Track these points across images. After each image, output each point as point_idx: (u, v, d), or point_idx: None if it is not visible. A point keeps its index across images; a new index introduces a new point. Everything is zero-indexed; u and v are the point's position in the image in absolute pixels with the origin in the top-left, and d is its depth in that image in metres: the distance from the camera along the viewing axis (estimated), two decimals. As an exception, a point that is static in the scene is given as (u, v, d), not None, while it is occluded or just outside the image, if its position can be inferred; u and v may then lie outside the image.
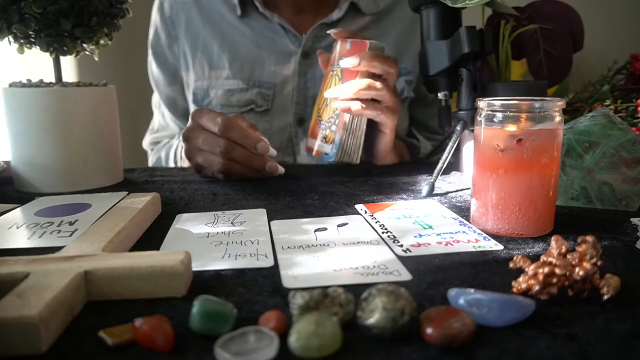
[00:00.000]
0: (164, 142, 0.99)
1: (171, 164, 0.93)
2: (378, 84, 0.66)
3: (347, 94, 0.66)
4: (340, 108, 0.68)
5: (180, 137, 0.71)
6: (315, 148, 0.74)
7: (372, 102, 0.67)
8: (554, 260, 0.32)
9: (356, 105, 0.66)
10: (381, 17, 0.93)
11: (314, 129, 0.76)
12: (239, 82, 0.89)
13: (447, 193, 0.60)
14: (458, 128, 0.64)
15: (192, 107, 0.95)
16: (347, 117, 0.69)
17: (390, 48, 0.92)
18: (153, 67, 0.97)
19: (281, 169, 0.67)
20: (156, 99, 1.01)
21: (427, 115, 1.00)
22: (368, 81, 0.66)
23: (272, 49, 0.90)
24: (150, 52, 0.98)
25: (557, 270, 0.31)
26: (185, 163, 0.86)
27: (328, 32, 0.73)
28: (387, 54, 0.69)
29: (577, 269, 0.31)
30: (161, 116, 1.01)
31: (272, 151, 0.65)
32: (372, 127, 0.72)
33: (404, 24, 0.93)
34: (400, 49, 0.93)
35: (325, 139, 0.72)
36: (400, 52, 0.93)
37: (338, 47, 0.72)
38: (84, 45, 0.64)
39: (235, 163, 0.66)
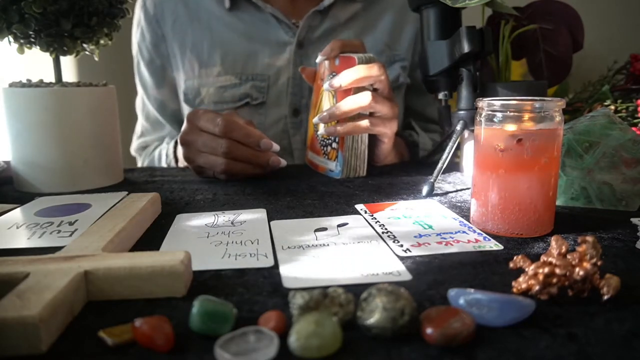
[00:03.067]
0: (153, 146, 0.98)
1: (164, 165, 0.92)
2: (365, 100, 0.64)
3: (338, 117, 0.66)
4: (326, 135, 0.67)
5: (173, 140, 0.70)
6: (319, 164, 0.74)
7: (363, 115, 0.67)
8: (554, 260, 0.32)
9: (346, 127, 0.65)
10: (372, 4, 0.92)
11: (313, 142, 0.76)
12: (232, 78, 0.88)
13: (447, 193, 0.60)
14: (458, 128, 0.64)
15: (184, 107, 0.93)
16: (347, 136, 0.68)
17: (382, 34, 0.91)
18: (142, 69, 0.95)
19: (283, 162, 0.67)
20: (140, 101, 0.99)
21: (424, 103, 0.99)
22: (354, 100, 0.65)
23: (264, 40, 0.88)
24: (136, 53, 0.95)
25: (557, 270, 0.31)
26: (181, 165, 0.86)
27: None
28: (375, 59, 0.67)
29: (577, 269, 0.31)
30: (145, 119, 0.99)
31: (276, 146, 0.65)
32: (371, 135, 0.71)
33: (395, 10, 0.92)
34: (393, 35, 0.92)
35: (327, 155, 0.72)
36: (393, 39, 0.92)
37: (326, 62, 0.71)
38: (84, 45, 0.64)
39: (238, 162, 0.66)
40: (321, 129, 0.69)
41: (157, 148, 0.96)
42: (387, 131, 0.69)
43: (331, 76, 0.69)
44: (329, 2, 0.88)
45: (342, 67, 0.67)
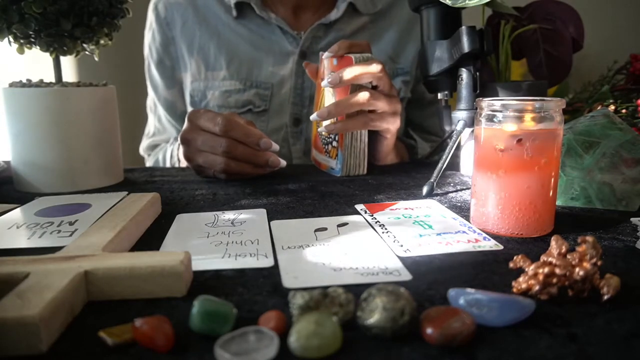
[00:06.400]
0: (161, 146, 0.99)
1: (168, 165, 0.93)
2: (362, 97, 0.65)
3: (337, 114, 0.66)
4: (327, 133, 0.67)
5: (178, 140, 0.71)
6: (322, 162, 0.74)
7: (363, 112, 0.67)
8: (554, 260, 0.32)
9: (345, 124, 0.66)
10: (378, 18, 0.93)
11: (317, 141, 0.76)
12: (236, 83, 0.89)
13: (447, 193, 0.60)
14: (458, 128, 0.64)
15: (189, 109, 0.94)
16: (345, 135, 0.68)
17: (387, 48, 0.92)
18: (152, 70, 0.97)
19: (283, 162, 0.67)
20: (151, 102, 1.00)
21: (424, 116, 1.00)
22: (352, 98, 0.65)
23: (269, 49, 0.90)
24: (147, 55, 0.97)
25: (557, 270, 0.31)
26: (183, 165, 0.86)
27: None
28: (373, 58, 0.67)
29: (577, 269, 0.31)
30: (157, 120, 1.00)
31: (275, 146, 0.65)
32: (373, 131, 0.72)
33: (401, 25, 0.93)
34: (397, 50, 0.93)
35: (329, 153, 0.72)
36: (397, 53, 0.93)
37: (326, 62, 0.72)
38: (84, 45, 0.64)
39: (237, 161, 0.66)
40: (322, 126, 0.69)
41: (165, 145, 0.97)
42: (389, 127, 0.70)
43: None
44: (335, 17, 0.88)
45: (340, 67, 0.67)
